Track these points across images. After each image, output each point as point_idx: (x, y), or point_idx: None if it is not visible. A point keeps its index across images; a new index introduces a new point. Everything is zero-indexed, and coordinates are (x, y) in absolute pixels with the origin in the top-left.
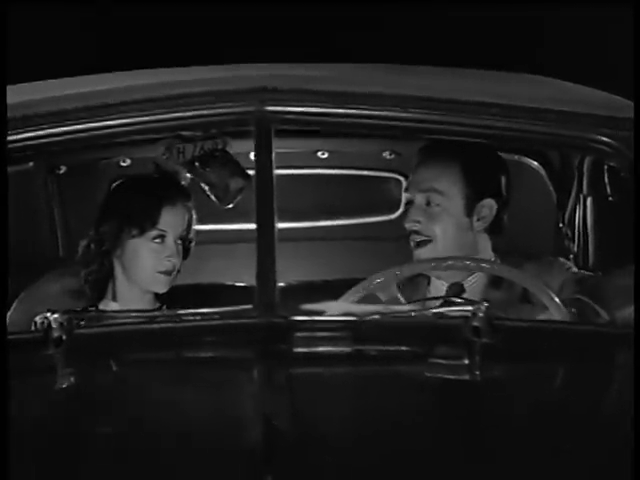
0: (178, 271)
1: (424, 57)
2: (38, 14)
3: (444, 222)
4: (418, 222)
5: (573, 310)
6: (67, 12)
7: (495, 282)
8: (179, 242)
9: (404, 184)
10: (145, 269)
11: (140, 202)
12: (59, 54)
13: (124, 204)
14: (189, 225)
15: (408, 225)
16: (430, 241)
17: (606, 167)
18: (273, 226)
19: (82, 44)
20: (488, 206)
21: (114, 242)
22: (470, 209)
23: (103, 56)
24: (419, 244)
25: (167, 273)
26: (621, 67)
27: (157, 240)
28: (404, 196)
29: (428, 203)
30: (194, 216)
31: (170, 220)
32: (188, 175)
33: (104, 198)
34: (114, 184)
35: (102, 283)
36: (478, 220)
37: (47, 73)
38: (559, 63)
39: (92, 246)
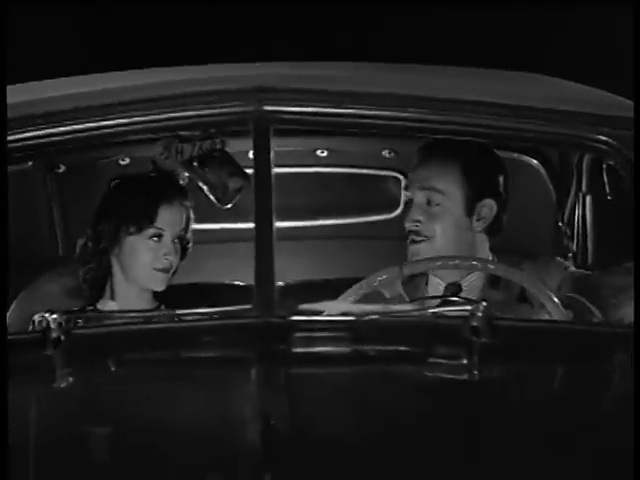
0: (175, 270)
1: (424, 57)
2: (38, 14)
3: (444, 221)
4: (418, 221)
5: (570, 310)
6: (66, 12)
7: (493, 282)
8: (176, 241)
9: (403, 182)
10: (142, 267)
11: (138, 200)
12: (58, 54)
13: (122, 202)
14: (187, 224)
15: (408, 224)
16: (428, 240)
17: (605, 166)
18: (271, 225)
19: (81, 44)
20: (488, 206)
21: (111, 240)
22: (470, 209)
23: (102, 56)
24: (417, 242)
25: (164, 271)
26: (621, 67)
27: (154, 238)
28: (404, 194)
29: (429, 202)
30: (192, 216)
31: (167, 218)
32: (186, 174)
33: (102, 197)
34: (112, 183)
35: (100, 282)
36: (478, 220)
37: (46, 73)
38: (559, 63)
39: (89, 244)
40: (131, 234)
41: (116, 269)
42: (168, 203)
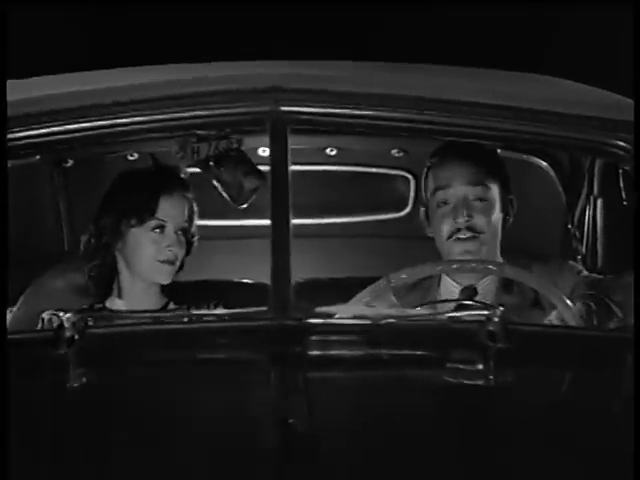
0: (181, 265)
1: (424, 57)
2: (37, 13)
3: (492, 217)
4: (471, 217)
5: (591, 305)
6: (66, 12)
7: (506, 285)
8: (180, 233)
9: (412, 182)
10: (146, 259)
11: (138, 193)
12: (58, 54)
13: (122, 196)
14: (190, 217)
15: (461, 220)
16: (479, 236)
17: (621, 171)
18: (288, 225)
19: (82, 43)
20: (514, 202)
21: (114, 234)
22: (504, 204)
23: (103, 56)
24: (469, 239)
25: (169, 263)
26: (621, 67)
27: (157, 230)
28: (436, 194)
29: (477, 198)
30: (195, 209)
31: (169, 210)
32: (188, 170)
33: (104, 192)
34: (113, 178)
35: (106, 279)
36: (507, 215)
37: (47, 73)
38: (559, 63)
39: (92, 240)
40: (133, 227)
41: (121, 265)
42: (169, 195)
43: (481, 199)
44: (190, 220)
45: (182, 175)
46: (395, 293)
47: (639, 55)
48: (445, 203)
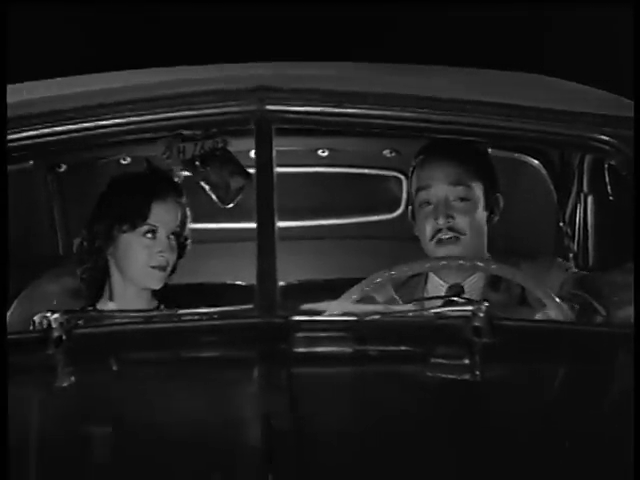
0: (174, 269)
1: (423, 57)
2: (38, 14)
3: (475, 217)
4: (452, 217)
5: (575, 305)
6: (67, 12)
7: (494, 283)
8: (172, 238)
9: (405, 183)
10: (138, 264)
11: (130, 198)
12: (58, 54)
13: (114, 201)
14: (183, 222)
15: (442, 222)
16: (461, 237)
17: (607, 166)
18: (274, 226)
19: (80, 44)
20: (499, 201)
21: (106, 239)
22: (488, 202)
23: (101, 56)
24: (451, 240)
25: (160, 268)
26: (621, 67)
27: (148, 235)
28: (419, 193)
29: (459, 198)
30: (188, 213)
31: (161, 215)
32: (182, 174)
33: (97, 197)
34: (107, 182)
35: (98, 282)
36: (491, 214)
37: (46, 73)
38: (559, 63)
39: (85, 244)
40: (125, 232)
41: (113, 269)
42: (161, 200)
43: (463, 199)
44: (183, 224)
45: (176, 179)
46: (394, 286)
47: (639, 55)
48: (427, 203)
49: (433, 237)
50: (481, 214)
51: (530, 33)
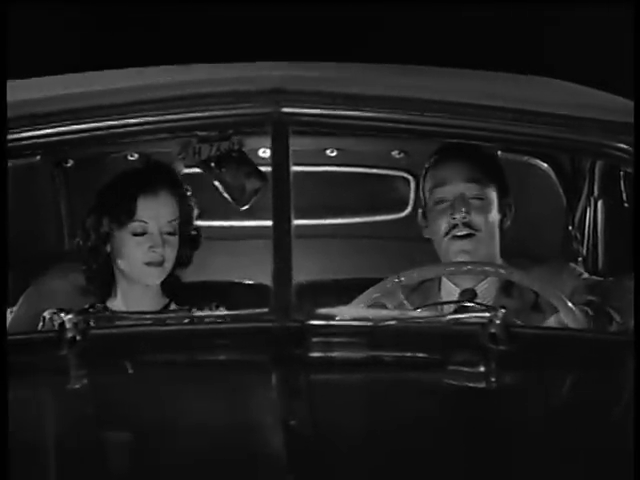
0: (189, 261)
1: (423, 57)
2: (39, 13)
3: (489, 216)
4: (468, 213)
5: (590, 313)
6: (67, 11)
7: (507, 288)
8: (167, 232)
9: (412, 183)
10: (132, 262)
11: (116, 195)
12: (58, 54)
13: (102, 199)
14: (185, 214)
15: (458, 217)
16: (476, 234)
17: (622, 173)
18: (290, 228)
19: (82, 43)
20: (512, 206)
21: (98, 237)
22: (501, 206)
23: (104, 55)
24: (466, 236)
25: (155, 264)
26: (621, 67)
27: (138, 231)
28: (435, 191)
29: (475, 196)
30: (191, 203)
31: (150, 210)
32: (181, 166)
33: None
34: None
35: (103, 280)
36: (504, 217)
37: (46, 73)
38: (559, 63)
39: (81, 242)
40: (114, 230)
41: (115, 268)
42: (151, 194)
43: (478, 197)
44: (185, 216)
45: (173, 171)
46: (404, 292)
47: (639, 55)
48: (443, 201)
49: (448, 233)
50: (495, 216)
51: (530, 33)
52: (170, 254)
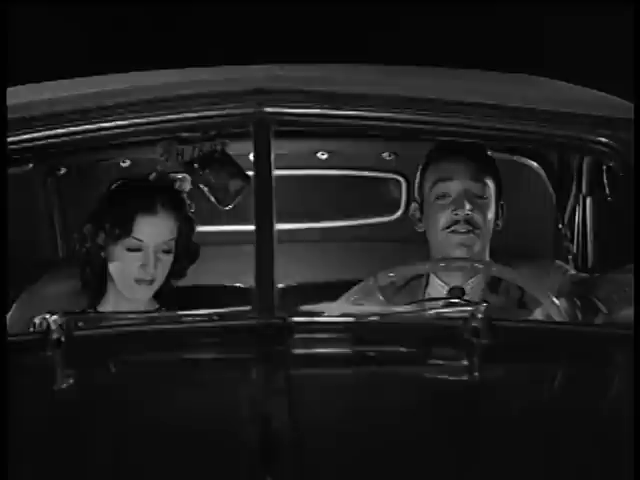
0: (184, 273)
1: (423, 56)
2: (39, 13)
3: (487, 216)
4: (471, 210)
5: (577, 304)
6: (67, 13)
7: (493, 285)
8: (162, 251)
9: (403, 185)
10: (123, 276)
11: (115, 210)
12: (58, 54)
13: (101, 212)
14: (184, 234)
15: (461, 213)
16: (476, 232)
17: (605, 167)
18: (272, 228)
19: (81, 44)
20: (504, 208)
21: (94, 247)
22: (496, 207)
23: (101, 57)
24: (467, 232)
25: (145, 282)
26: (621, 67)
27: (133, 249)
28: (436, 185)
29: (478, 194)
30: (191, 225)
31: (148, 229)
32: (187, 184)
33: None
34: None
35: (97, 285)
36: (498, 219)
37: (47, 72)
38: (559, 63)
39: (77, 247)
40: (110, 243)
41: (109, 273)
42: (149, 214)
43: (481, 196)
44: (183, 233)
45: (176, 191)
46: (382, 292)
47: (639, 55)
48: (445, 196)
49: (448, 227)
50: (492, 216)
51: (530, 33)
52: (162, 272)
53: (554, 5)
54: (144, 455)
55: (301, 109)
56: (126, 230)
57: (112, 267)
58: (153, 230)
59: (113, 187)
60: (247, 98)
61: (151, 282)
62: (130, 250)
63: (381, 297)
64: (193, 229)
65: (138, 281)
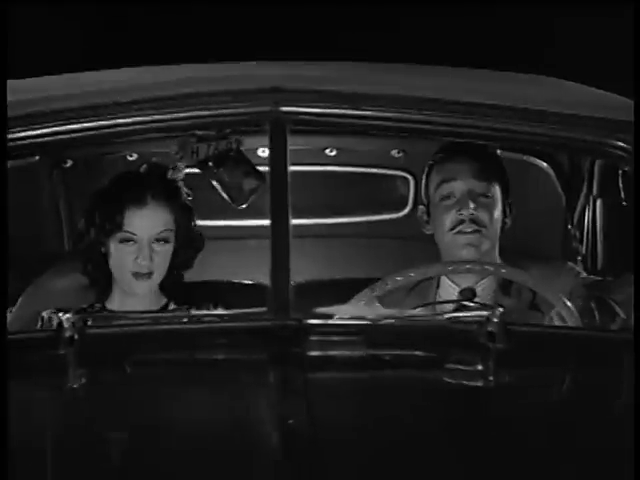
0: (190, 264)
1: (423, 56)
2: (39, 12)
3: (494, 215)
4: (476, 210)
5: (594, 308)
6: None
7: (505, 287)
8: (157, 243)
9: (412, 182)
10: (120, 271)
11: (105, 205)
12: (58, 53)
13: (93, 204)
14: (180, 221)
15: (465, 213)
16: (482, 231)
17: (621, 172)
18: (287, 228)
19: (84, 42)
20: (512, 207)
21: (90, 241)
22: (503, 206)
23: (106, 54)
24: (473, 232)
25: (142, 276)
26: (621, 67)
27: (126, 242)
28: (443, 185)
29: (482, 193)
30: (189, 210)
31: (139, 222)
32: (180, 173)
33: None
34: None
35: (102, 281)
36: (505, 218)
37: (46, 73)
38: (559, 63)
39: (77, 242)
40: (105, 239)
41: (112, 271)
42: (139, 206)
43: (485, 195)
44: (182, 222)
45: (166, 180)
46: (380, 301)
47: (639, 55)
48: (449, 197)
49: (454, 228)
50: (498, 215)
51: (530, 33)
52: (161, 263)
53: (554, 6)
54: (158, 457)
55: (317, 108)
56: (117, 224)
57: (111, 262)
58: (144, 222)
59: (106, 182)
60: (263, 97)
61: (149, 275)
62: (123, 244)
63: (380, 305)
64: (192, 217)
65: (135, 275)
